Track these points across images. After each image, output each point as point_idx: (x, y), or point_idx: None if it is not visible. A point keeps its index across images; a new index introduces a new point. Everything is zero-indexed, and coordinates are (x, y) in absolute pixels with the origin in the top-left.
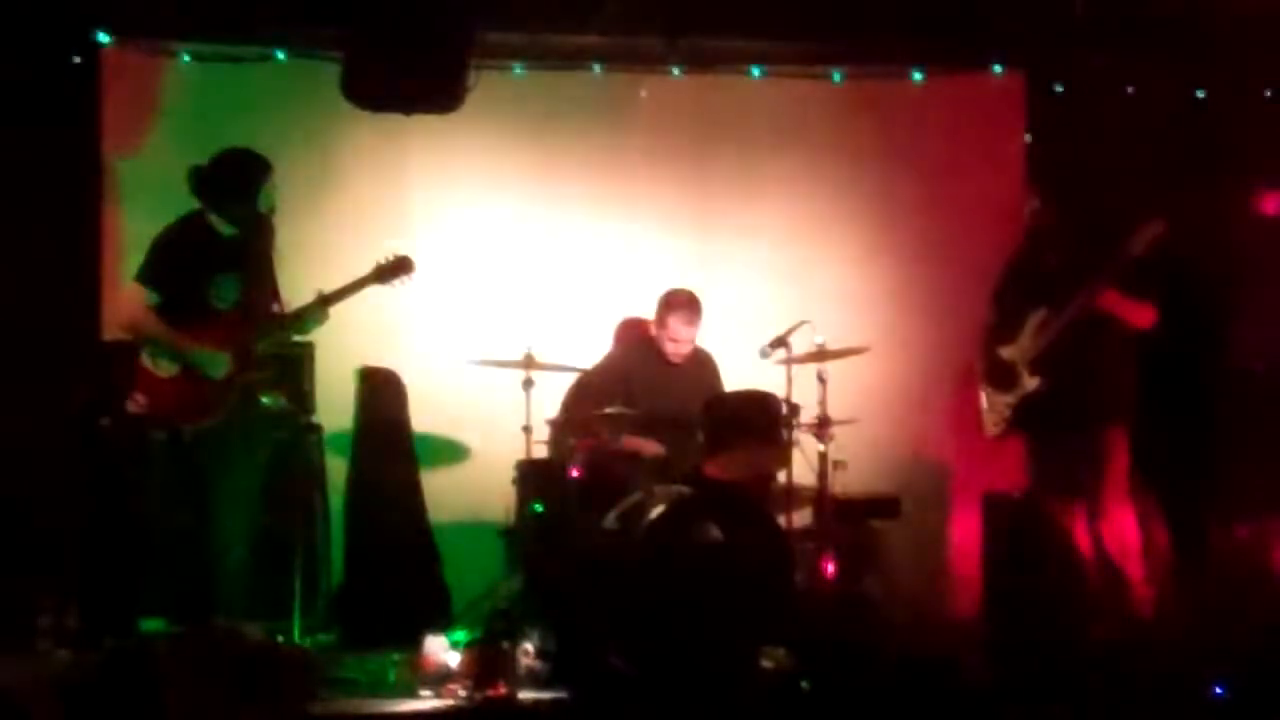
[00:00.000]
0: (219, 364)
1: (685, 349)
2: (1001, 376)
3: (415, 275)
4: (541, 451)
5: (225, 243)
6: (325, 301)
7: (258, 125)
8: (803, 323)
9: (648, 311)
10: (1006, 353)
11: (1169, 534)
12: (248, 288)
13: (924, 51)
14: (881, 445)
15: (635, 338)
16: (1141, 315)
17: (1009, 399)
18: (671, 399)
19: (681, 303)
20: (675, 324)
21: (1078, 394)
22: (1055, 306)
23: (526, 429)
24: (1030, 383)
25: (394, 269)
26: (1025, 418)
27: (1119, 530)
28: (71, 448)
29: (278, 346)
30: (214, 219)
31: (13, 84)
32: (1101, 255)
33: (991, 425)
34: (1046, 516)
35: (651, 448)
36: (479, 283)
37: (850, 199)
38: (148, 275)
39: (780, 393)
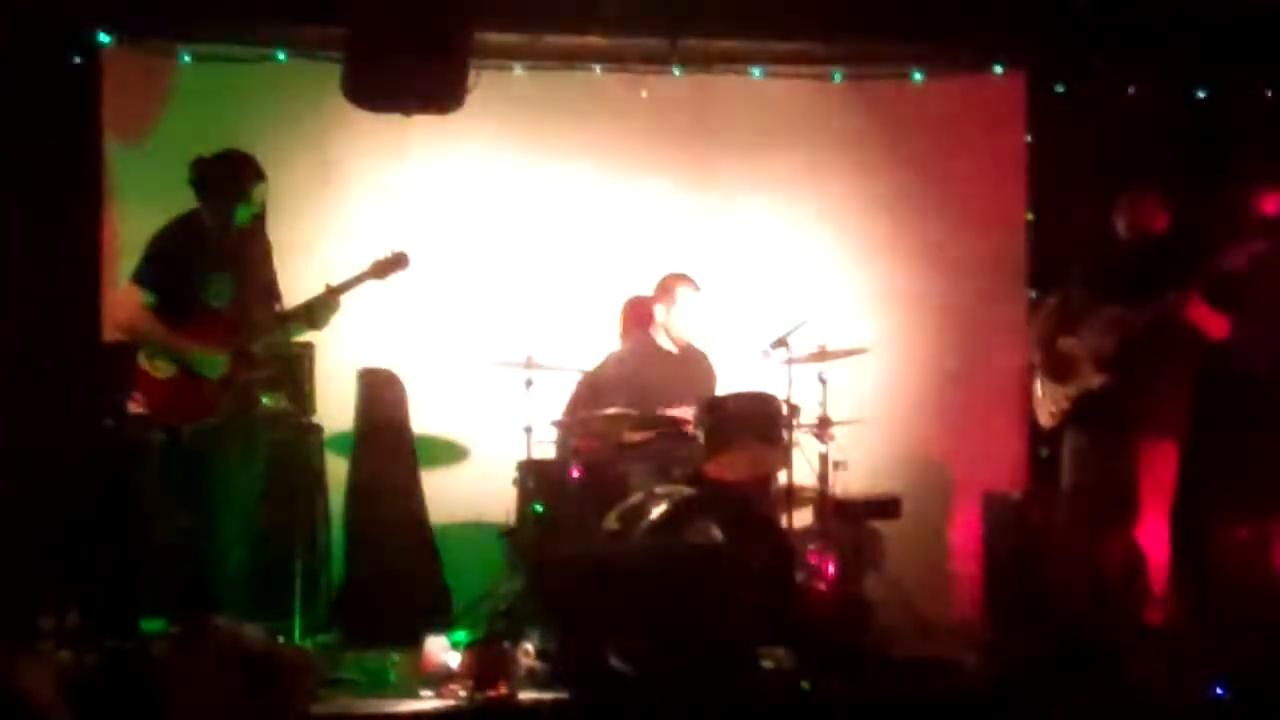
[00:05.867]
0: (216, 364)
1: (697, 322)
2: (1063, 368)
3: (410, 269)
4: (542, 452)
5: (219, 242)
6: (334, 292)
7: (258, 125)
8: (803, 323)
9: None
10: (1069, 345)
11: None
12: (242, 287)
13: (924, 51)
14: (882, 445)
15: (638, 335)
16: (1219, 327)
17: (1069, 391)
18: (675, 397)
19: (683, 276)
20: (683, 294)
21: (1141, 398)
22: (1135, 306)
23: (527, 429)
24: (1095, 379)
25: (391, 264)
26: (1078, 413)
27: (1152, 542)
28: (72, 448)
29: (279, 346)
30: (208, 218)
31: (13, 84)
32: (1187, 262)
33: (1047, 416)
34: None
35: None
36: (479, 283)
37: (851, 200)
38: (143, 275)
39: (781, 393)
